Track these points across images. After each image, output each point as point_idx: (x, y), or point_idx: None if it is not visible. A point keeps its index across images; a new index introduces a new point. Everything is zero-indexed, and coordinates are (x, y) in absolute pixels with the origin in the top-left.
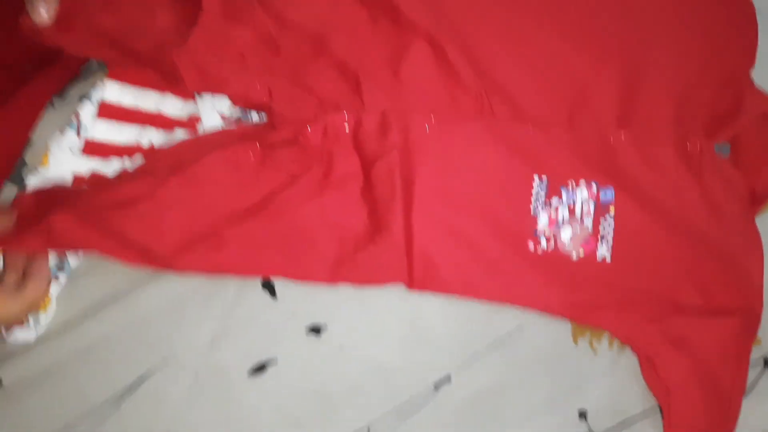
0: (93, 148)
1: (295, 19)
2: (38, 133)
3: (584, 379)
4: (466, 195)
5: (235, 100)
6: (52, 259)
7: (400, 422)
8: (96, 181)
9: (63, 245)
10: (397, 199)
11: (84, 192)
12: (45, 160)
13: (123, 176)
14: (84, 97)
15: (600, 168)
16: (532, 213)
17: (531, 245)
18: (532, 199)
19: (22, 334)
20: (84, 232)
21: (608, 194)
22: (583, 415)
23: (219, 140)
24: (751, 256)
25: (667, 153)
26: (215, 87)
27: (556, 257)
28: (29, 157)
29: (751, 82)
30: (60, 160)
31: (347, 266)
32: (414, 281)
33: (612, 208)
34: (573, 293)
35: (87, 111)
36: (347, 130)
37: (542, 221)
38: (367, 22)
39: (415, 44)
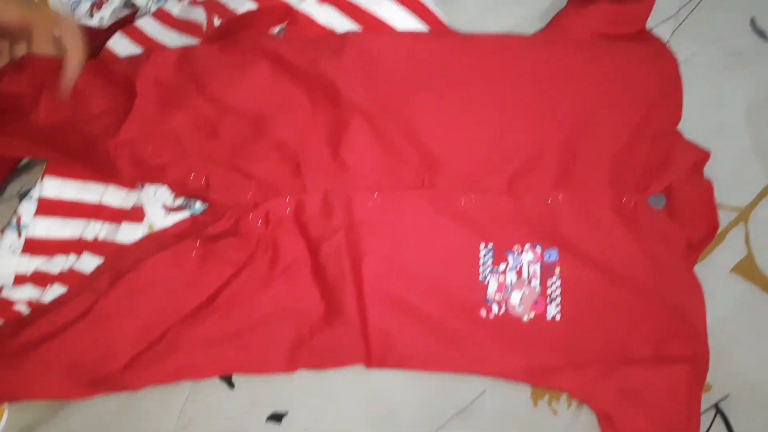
0: (35, 247)
1: (233, 102)
2: None
3: None
4: (415, 269)
5: (173, 189)
6: None
7: None
8: (22, 320)
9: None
10: (348, 279)
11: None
12: None
13: (59, 302)
14: (23, 195)
15: (542, 231)
16: (481, 280)
17: (483, 312)
18: (480, 267)
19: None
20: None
21: (553, 255)
22: None
23: (156, 243)
24: (693, 304)
25: (604, 211)
26: (152, 176)
27: (508, 321)
28: None
29: (679, 136)
30: (1, 261)
31: (305, 353)
32: (372, 360)
33: (557, 269)
34: (528, 356)
35: (27, 209)
36: (288, 214)
37: (492, 287)
38: (306, 103)
39: (354, 122)
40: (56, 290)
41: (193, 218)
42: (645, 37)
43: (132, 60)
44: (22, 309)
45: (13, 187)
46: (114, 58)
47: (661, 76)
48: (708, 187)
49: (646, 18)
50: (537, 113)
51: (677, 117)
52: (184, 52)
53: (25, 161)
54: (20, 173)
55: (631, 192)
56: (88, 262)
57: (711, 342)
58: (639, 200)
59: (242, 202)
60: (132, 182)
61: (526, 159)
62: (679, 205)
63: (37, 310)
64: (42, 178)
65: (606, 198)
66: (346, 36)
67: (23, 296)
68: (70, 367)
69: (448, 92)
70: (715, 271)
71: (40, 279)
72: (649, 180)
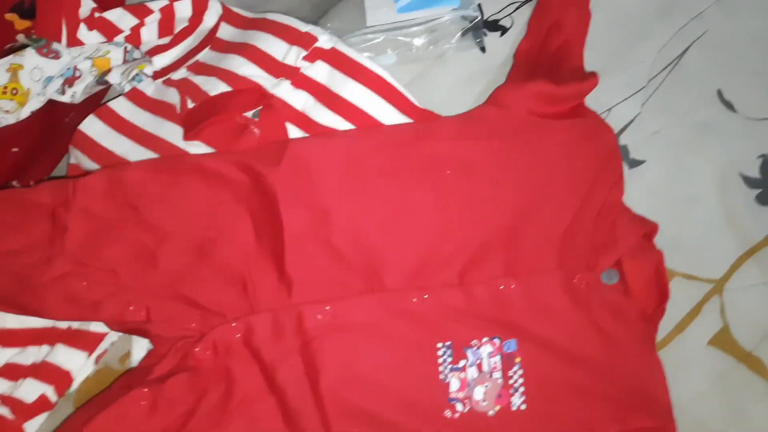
0: (7, 338)
1: (173, 229)
2: None
3: None
4: (374, 377)
5: (110, 325)
6: None
7: None
8: None
9: None
10: (308, 400)
11: None
12: None
13: None
14: None
15: (498, 321)
16: (442, 379)
17: (448, 413)
18: (440, 366)
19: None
20: None
21: (511, 345)
22: None
23: (103, 397)
24: (653, 377)
25: (556, 294)
26: (87, 314)
27: (475, 417)
28: None
29: (625, 208)
30: None
31: None
32: None
33: (518, 359)
34: None
35: None
36: (237, 339)
37: (454, 386)
38: (247, 219)
39: (295, 236)
40: (29, 384)
41: (135, 369)
42: (580, 111)
43: (56, 188)
44: None
45: None
46: (83, 144)
47: (599, 152)
48: (659, 258)
49: (585, 96)
50: (477, 204)
51: (620, 191)
52: (114, 176)
53: None
54: None
55: (581, 271)
56: (62, 354)
57: (689, 416)
58: (590, 278)
59: (186, 333)
60: (63, 320)
61: (473, 250)
62: (632, 278)
63: None
64: None
65: (556, 280)
66: (284, 144)
67: None
68: None
69: (386, 192)
70: (691, 345)
71: (12, 372)
72: (597, 257)
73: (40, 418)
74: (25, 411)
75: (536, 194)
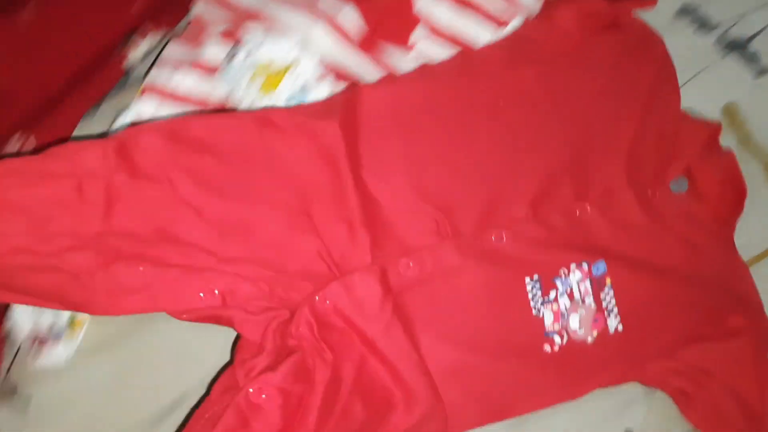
0: None
1: (257, 193)
2: None
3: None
4: (468, 326)
5: (177, 315)
6: None
7: None
8: None
9: None
10: (406, 354)
11: None
12: None
13: None
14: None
15: (581, 246)
16: (535, 315)
17: (547, 348)
18: (531, 302)
19: (52, 358)
20: None
21: (600, 268)
22: None
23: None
24: (740, 277)
25: (632, 210)
26: (149, 306)
27: (574, 347)
28: None
29: (685, 115)
30: None
31: None
32: (450, 428)
33: (608, 280)
34: (601, 373)
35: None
36: (328, 305)
37: (548, 319)
38: (321, 185)
39: (373, 192)
40: None
41: (235, 365)
42: (627, 22)
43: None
44: None
45: (109, 104)
46: None
47: (652, 63)
48: (729, 158)
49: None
50: (537, 132)
51: (677, 99)
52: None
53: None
54: (118, 90)
55: (651, 184)
56: None
57: None
58: (661, 190)
59: (265, 309)
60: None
61: (540, 181)
62: (703, 182)
63: None
64: (141, 95)
65: (630, 197)
66: (338, 98)
67: None
68: None
69: (442, 135)
70: None
71: None
72: (665, 168)
73: None
74: None
75: (595, 114)
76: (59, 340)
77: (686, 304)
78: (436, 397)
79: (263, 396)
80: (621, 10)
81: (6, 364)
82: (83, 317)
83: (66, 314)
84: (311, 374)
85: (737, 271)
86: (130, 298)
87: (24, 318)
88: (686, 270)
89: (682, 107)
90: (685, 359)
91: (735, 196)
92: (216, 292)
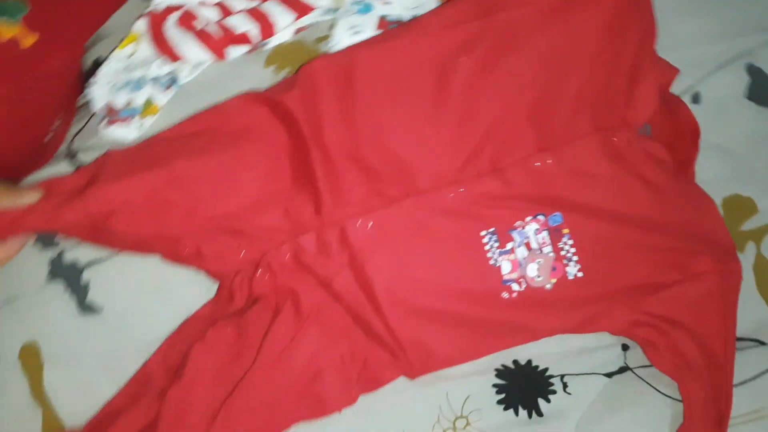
0: None
1: (207, 166)
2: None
3: None
4: (425, 277)
5: (165, 259)
6: (164, 69)
7: None
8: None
9: None
10: (366, 306)
11: None
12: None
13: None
14: None
15: (539, 199)
16: (493, 265)
17: (505, 294)
18: (488, 253)
19: (118, 133)
20: None
21: (557, 219)
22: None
23: (193, 330)
24: (709, 216)
25: (595, 158)
26: (144, 249)
27: (533, 293)
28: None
29: (654, 57)
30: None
31: (356, 382)
32: (414, 370)
33: (565, 230)
34: (562, 317)
35: None
36: (288, 260)
37: (505, 268)
38: (282, 150)
39: (330, 153)
40: (240, 18)
41: (214, 301)
42: None
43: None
44: None
45: None
46: None
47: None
48: (679, 102)
49: None
50: (496, 84)
51: (652, 39)
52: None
53: None
54: None
55: (619, 129)
56: (274, 7)
57: None
58: (630, 134)
59: (235, 263)
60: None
61: (500, 133)
62: (661, 125)
63: (108, 416)
64: None
65: (595, 143)
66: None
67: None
68: None
69: (407, 95)
70: None
71: (225, 9)
72: (634, 111)
73: None
74: (230, 37)
75: (560, 58)
76: (131, 119)
77: (649, 250)
78: (393, 339)
79: (229, 329)
80: None
81: (74, 130)
82: (159, 103)
83: (143, 97)
84: (276, 314)
85: (705, 211)
86: (128, 245)
87: (102, 91)
88: (650, 215)
89: None
90: (650, 310)
91: (691, 137)
92: (188, 244)
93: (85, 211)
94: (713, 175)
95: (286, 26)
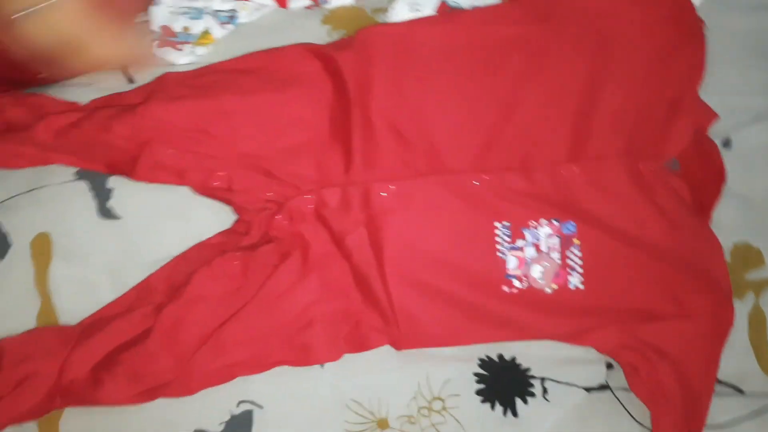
0: None
1: (256, 105)
2: None
3: None
4: (435, 252)
5: (197, 190)
6: (227, 4)
7: None
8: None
9: None
10: (373, 267)
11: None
12: None
13: (121, 313)
14: None
15: (558, 204)
16: (500, 257)
17: (505, 288)
18: (498, 245)
19: (172, 56)
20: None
21: (570, 228)
22: None
23: (201, 255)
24: (715, 261)
25: (620, 179)
26: (174, 179)
27: (531, 293)
28: None
29: (696, 97)
30: None
31: (345, 339)
32: (401, 341)
33: (576, 240)
34: (553, 323)
35: None
36: (310, 210)
37: (511, 263)
38: (324, 104)
39: (370, 117)
40: None
41: (227, 232)
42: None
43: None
44: None
45: None
46: None
47: (679, 34)
48: (713, 146)
49: None
50: (545, 89)
51: (698, 77)
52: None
53: None
54: None
55: (648, 157)
56: None
57: None
58: (656, 166)
59: (265, 205)
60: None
61: (538, 135)
62: (690, 166)
63: (102, 319)
64: None
65: (622, 165)
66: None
67: None
68: (133, 376)
69: (449, 76)
70: None
71: None
72: (665, 144)
73: None
74: None
75: (610, 77)
76: (184, 45)
77: (652, 278)
78: (389, 305)
79: (236, 262)
80: None
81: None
82: (215, 36)
83: (201, 26)
84: (283, 258)
85: (712, 256)
86: (163, 173)
87: (163, 13)
88: (660, 244)
89: None
90: (641, 336)
91: (716, 183)
92: (221, 174)
93: (133, 125)
94: (729, 220)
95: None
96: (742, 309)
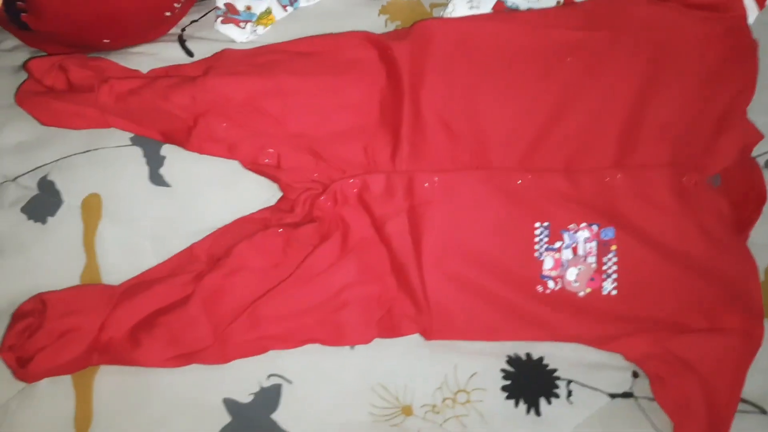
0: None
1: (310, 88)
2: None
3: None
4: (473, 246)
5: (245, 165)
6: None
7: None
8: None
9: None
10: (410, 255)
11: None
12: None
13: (165, 277)
14: None
15: (599, 209)
16: (536, 257)
17: (539, 287)
18: (536, 245)
19: (232, 32)
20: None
21: (609, 233)
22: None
23: (245, 227)
24: (750, 279)
25: (663, 190)
26: (225, 152)
27: (565, 296)
28: None
29: (744, 115)
30: None
31: (377, 324)
32: (432, 331)
33: (614, 246)
34: (584, 326)
35: None
36: (354, 193)
37: (548, 264)
38: (376, 91)
39: (420, 107)
40: None
41: (272, 208)
42: (723, 7)
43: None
44: None
45: None
46: None
47: (733, 52)
48: (755, 165)
49: None
50: (597, 94)
51: (749, 96)
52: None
53: None
54: None
55: (691, 170)
56: None
57: None
58: (699, 179)
59: (310, 186)
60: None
61: (585, 139)
62: (733, 184)
63: (144, 282)
64: None
65: (665, 176)
66: (414, 24)
67: None
68: (170, 340)
69: (502, 73)
70: None
71: None
72: (709, 159)
73: None
74: None
75: (662, 89)
76: (246, 23)
77: (685, 290)
78: (423, 295)
79: (278, 238)
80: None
81: (191, 18)
82: (277, 14)
83: (264, 5)
84: (324, 239)
85: (748, 274)
86: (215, 145)
87: None
88: (697, 259)
89: None
90: (670, 347)
91: (756, 203)
92: (271, 151)
93: (192, 96)
94: (767, 240)
95: None
96: None
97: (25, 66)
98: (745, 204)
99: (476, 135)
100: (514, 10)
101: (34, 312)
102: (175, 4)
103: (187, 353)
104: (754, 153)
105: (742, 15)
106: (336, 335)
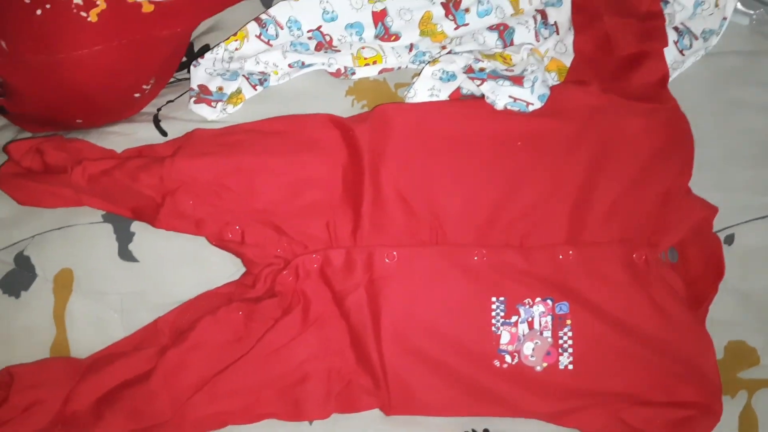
0: None
1: (274, 166)
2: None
3: None
4: (431, 321)
5: (211, 241)
6: (259, 68)
7: None
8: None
9: None
10: (369, 331)
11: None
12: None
13: (128, 352)
14: None
15: (553, 284)
16: (493, 331)
17: (497, 362)
18: (493, 319)
19: (204, 111)
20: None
21: (564, 308)
22: None
23: (209, 302)
24: (705, 355)
25: (615, 266)
26: (192, 229)
27: (522, 370)
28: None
29: (689, 190)
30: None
31: (336, 398)
32: (392, 407)
33: (569, 321)
34: (541, 401)
35: None
36: (315, 268)
37: (504, 338)
38: (338, 170)
39: (380, 184)
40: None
41: (236, 283)
42: (660, 95)
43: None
44: None
45: None
46: None
47: (674, 138)
48: (716, 241)
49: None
50: (546, 176)
51: (688, 173)
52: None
53: None
54: None
55: (642, 247)
56: None
57: None
58: (650, 255)
59: (273, 261)
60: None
61: (537, 217)
62: (689, 259)
63: (110, 355)
64: None
65: (616, 253)
66: (375, 108)
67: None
68: (130, 414)
69: (457, 155)
70: None
71: None
72: (659, 235)
73: None
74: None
75: (607, 172)
76: (217, 103)
77: (642, 365)
78: (381, 370)
79: (240, 312)
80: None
81: (166, 99)
82: (247, 93)
83: (234, 86)
84: (285, 313)
85: (703, 350)
86: (182, 222)
87: (202, 73)
88: (651, 334)
89: None
90: (626, 419)
91: (714, 279)
92: (237, 228)
93: (159, 177)
94: (727, 316)
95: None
96: (733, 408)
97: (4, 149)
98: (703, 279)
99: (433, 212)
100: (471, 98)
101: (1, 385)
102: (144, 86)
103: (146, 427)
104: (716, 228)
105: (677, 105)
106: (295, 410)
